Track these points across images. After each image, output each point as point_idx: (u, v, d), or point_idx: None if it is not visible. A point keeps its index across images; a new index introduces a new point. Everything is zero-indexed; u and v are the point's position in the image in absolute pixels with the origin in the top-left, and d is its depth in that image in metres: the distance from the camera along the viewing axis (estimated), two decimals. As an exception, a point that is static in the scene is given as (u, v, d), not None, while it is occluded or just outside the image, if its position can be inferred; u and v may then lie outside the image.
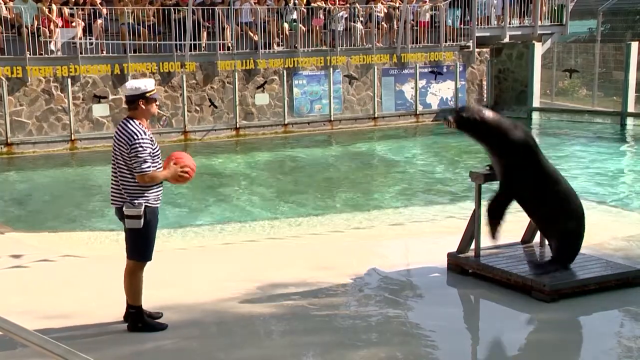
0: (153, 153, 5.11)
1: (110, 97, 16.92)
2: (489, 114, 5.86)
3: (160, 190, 5.25)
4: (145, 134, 5.08)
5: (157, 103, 5.38)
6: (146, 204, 5.09)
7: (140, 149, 5.02)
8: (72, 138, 16.20)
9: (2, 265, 7.02)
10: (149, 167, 5.04)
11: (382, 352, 4.90)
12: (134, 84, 5.22)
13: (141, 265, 5.26)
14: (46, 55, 16.50)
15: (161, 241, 6.95)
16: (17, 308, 5.48)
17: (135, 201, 5.07)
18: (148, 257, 5.24)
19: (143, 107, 5.17)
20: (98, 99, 16.76)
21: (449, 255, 6.60)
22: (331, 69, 19.14)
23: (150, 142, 5.11)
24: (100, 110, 16.74)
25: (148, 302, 5.35)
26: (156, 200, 5.20)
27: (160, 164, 5.21)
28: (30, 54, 16.10)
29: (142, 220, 5.06)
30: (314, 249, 7.83)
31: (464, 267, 6.47)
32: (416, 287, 6.29)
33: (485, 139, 5.89)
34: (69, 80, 16.20)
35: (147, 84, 5.22)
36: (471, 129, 5.86)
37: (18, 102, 16.12)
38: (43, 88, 16.36)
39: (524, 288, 5.89)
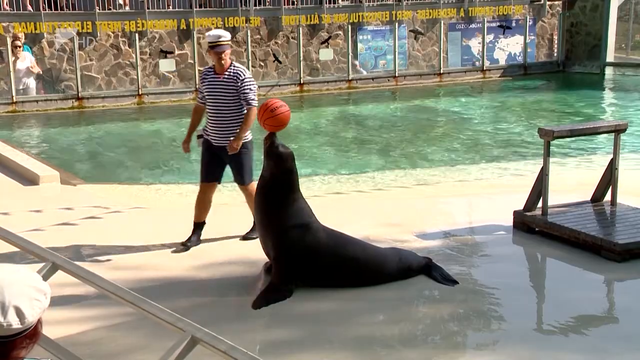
0: (201, 89, 6.19)
1: (177, 52, 17.09)
2: None
3: (209, 123, 6.07)
4: (202, 74, 6.26)
5: (221, 56, 5.96)
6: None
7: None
8: (140, 93, 16.45)
9: (75, 216, 7.25)
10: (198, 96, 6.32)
11: (444, 309, 4.89)
12: (209, 32, 6.16)
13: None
14: (114, 10, 16.75)
15: (227, 194, 7.07)
16: (90, 258, 5.67)
17: None
18: (201, 179, 6.23)
19: (209, 54, 6.11)
20: (164, 54, 16.95)
21: (515, 213, 6.49)
22: (396, 24, 18.82)
23: (201, 81, 6.23)
24: (166, 66, 16.95)
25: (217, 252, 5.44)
26: (205, 130, 6.12)
27: (209, 101, 6.05)
28: (99, 9, 16.37)
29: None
30: (378, 205, 7.81)
31: (531, 226, 6.36)
32: (481, 245, 6.22)
33: None
34: (137, 35, 16.41)
35: (212, 35, 6.03)
36: None
37: (88, 56, 16.46)
38: (112, 43, 16.65)
39: (594, 247, 5.76)
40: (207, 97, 6.07)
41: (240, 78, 5.96)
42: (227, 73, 5.99)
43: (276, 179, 5.09)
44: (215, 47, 5.92)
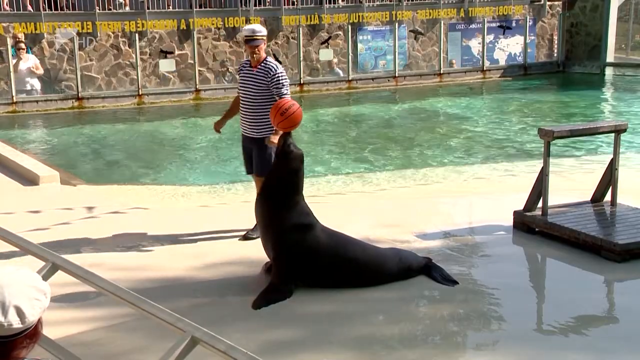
0: (239, 81, 6.35)
1: (177, 52, 17.09)
2: None
3: (241, 113, 6.26)
4: (239, 65, 6.54)
5: (255, 50, 6.11)
6: None
7: None
8: (140, 93, 16.45)
9: (75, 216, 7.25)
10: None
11: (444, 309, 4.90)
12: (245, 27, 6.38)
13: None
14: (114, 11, 16.75)
15: (227, 194, 7.07)
16: (90, 258, 5.67)
17: None
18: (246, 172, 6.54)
19: (245, 47, 6.40)
20: (164, 54, 16.95)
21: (515, 213, 6.49)
22: (396, 24, 18.82)
23: (238, 73, 6.55)
24: (166, 66, 16.95)
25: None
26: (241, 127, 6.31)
27: (241, 93, 6.24)
28: (99, 9, 16.37)
29: None
30: (378, 206, 7.81)
31: (531, 226, 6.36)
32: (481, 245, 6.22)
33: None
34: (137, 35, 16.41)
35: (247, 29, 6.23)
36: None
37: (88, 57, 16.46)
38: (112, 43, 16.65)
39: (594, 247, 5.76)
40: (240, 88, 6.29)
41: (271, 74, 6.08)
42: (259, 67, 6.14)
43: (281, 180, 5.10)
44: (249, 41, 6.13)
